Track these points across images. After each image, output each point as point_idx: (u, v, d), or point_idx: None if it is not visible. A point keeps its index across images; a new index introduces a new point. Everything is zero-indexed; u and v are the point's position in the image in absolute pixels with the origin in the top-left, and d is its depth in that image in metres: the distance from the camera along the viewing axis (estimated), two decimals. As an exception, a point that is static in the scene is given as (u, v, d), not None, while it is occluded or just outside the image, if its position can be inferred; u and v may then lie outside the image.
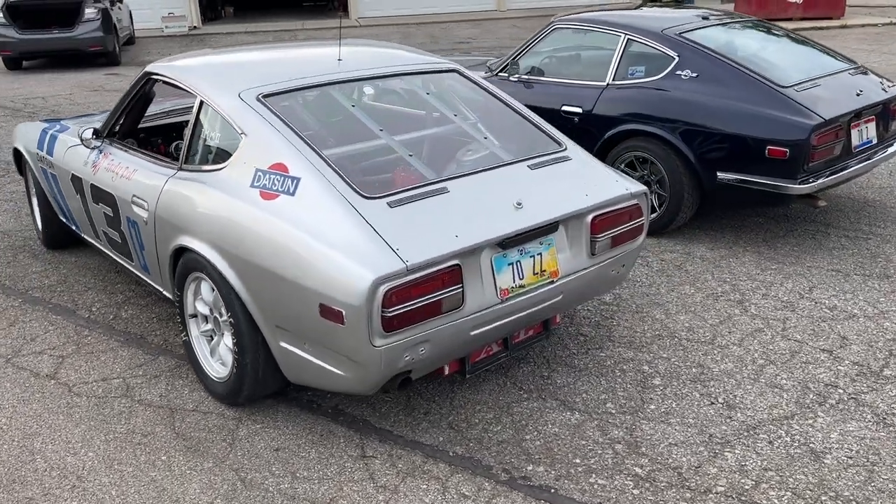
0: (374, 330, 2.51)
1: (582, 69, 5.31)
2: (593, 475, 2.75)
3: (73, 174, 4.06)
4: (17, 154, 4.90)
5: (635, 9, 5.72)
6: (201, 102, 3.25)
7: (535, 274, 2.96)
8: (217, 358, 3.23)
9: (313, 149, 2.87)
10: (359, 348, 2.55)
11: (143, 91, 3.78)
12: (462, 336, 2.78)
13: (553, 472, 2.77)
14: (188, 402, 3.25)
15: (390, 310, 2.51)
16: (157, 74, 3.61)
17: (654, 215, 4.88)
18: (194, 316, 3.32)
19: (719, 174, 4.56)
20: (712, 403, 3.16)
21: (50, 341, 3.80)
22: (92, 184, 3.85)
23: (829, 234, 4.88)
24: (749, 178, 4.45)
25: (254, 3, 24.77)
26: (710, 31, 5.07)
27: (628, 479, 2.72)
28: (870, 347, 3.54)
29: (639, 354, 3.55)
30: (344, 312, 2.51)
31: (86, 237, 4.36)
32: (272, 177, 2.86)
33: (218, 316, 3.14)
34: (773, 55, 4.98)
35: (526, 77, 5.51)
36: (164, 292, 3.54)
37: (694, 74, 4.71)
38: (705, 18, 5.25)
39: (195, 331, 3.32)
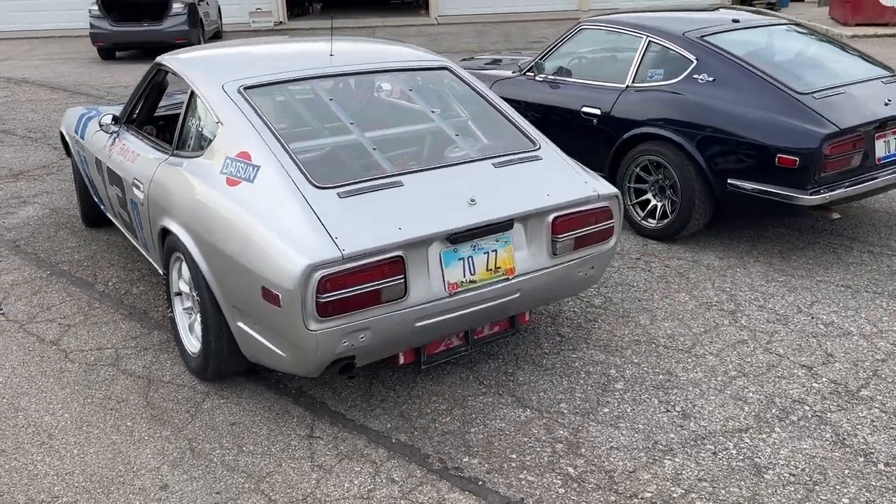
0: (308, 314, 2.62)
1: (604, 70, 5.27)
2: (525, 471, 2.77)
3: (96, 157, 4.35)
4: (64, 137, 5.27)
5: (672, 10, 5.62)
6: (192, 92, 3.43)
7: (488, 270, 3.00)
8: (194, 334, 3.41)
9: (278, 139, 3.00)
10: (295, 331, 2.66)
11: (155, 80, 4.01)
12: (406, 327, 2.85)
13: (486, 466, 2.81)
14: (167, 375, 3.45)
15: (324, 296, 2.61)
16: (163, 65, 3.83)
17: (665, 221, 4.80)
18: (178, 294, 3.51)
19: (730, 181, 4.45)
20: (668, 411, 3.12)
21: (62, 311, 4.09)
22: (107, 166, 4.12)
23: (851, 249, 4.68)
24: (759, 187, 4.33)
25: (342, 0, 25.36)
26: (737, 35, 4.94)
27: (558, 477, 2.74)
28: (854, 366, 3.41)
29: (610, 358, 3.53)
30: (280, 296, 2.63)
31: (109, 215, 4.65)
32: (238, 164, 3.01)
33: (194, 294, 3.32)
34: (802, 61, 4.82)
35: (552, 77, 5.50)
36: (160, 270, 3.76)
37: (710, 79, 4.61)
38: (736, 21, 5.11)
39: (178, 308, 3.52)
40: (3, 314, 4.07)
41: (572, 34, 5.52)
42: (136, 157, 3.78)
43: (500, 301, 3.06)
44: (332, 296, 2.62)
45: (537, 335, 3.74)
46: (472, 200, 2.96)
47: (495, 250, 3.02)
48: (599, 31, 5.37)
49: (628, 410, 3.13)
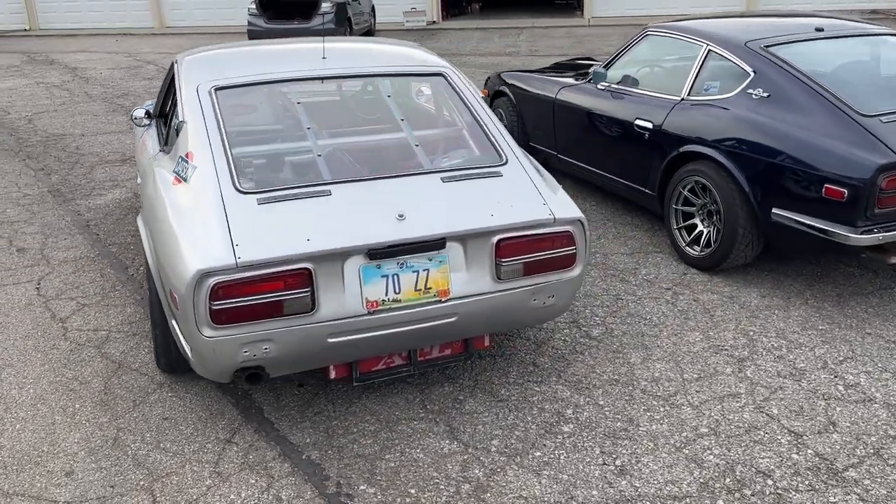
0: (201, 321, 2.59)
1: (662, 81, 4.85)
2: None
3: (137, 148, 4.60)
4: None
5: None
6: (175, 90, 3.52)
7: (416, 290, 2.83)
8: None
9: (223, 142, 3.00)
10: (192, 336, 2.64)
11: (172, 77, 4.16)
12: (317, 342, 2.75)
13: (379, 497, 2.65)
14: (137, 362, 3.57)
15: (217, 303, 2.57)
16: (174, 63, 3.96)
17: (708, 250, 4.34)
18: (155, 286, 3.63)
19: (775, 210, 3.94)
20: (605, 464, 2.80)
21: (86, 290, 4.36)
22: (137, 158, 4.34)
23: (927, 300, 4.00)
24: (804, 220, 3.80)
25: (504, 0, 25.35)
26: (812, 46, 4.37)
27: (445, 521, 2.54)
28: (855, 440, 2.89)
29: (575, 396, 3.23)
30: (177, 299, 2.63)
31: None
32: (182, 164, 3.04)
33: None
34: (883, 79, 4.16)
35: (615, 86, 5.15)
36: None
37: (765, 94, 4.10)
38: (820, 30, 4.51)
39: (154, 299, 3.63)
40: (38, 289, 4.40)
41: (638, 41, 5.13)
42: (144, 151, 3.94)
43: (432, 324, 2.88)
44: (226, 304, 2.58)
45: (510, 362, 3.51)
46: (401, 215, 2.80)
47: (427, 270, 2.85)
48: (664, 39, 4.95)
49: (561, 457, 2.84)
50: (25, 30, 21.64)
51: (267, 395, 3.28)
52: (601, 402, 3.18)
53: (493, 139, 3.27)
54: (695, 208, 4.46)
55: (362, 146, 3.27)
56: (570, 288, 3.09)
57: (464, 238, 2.86)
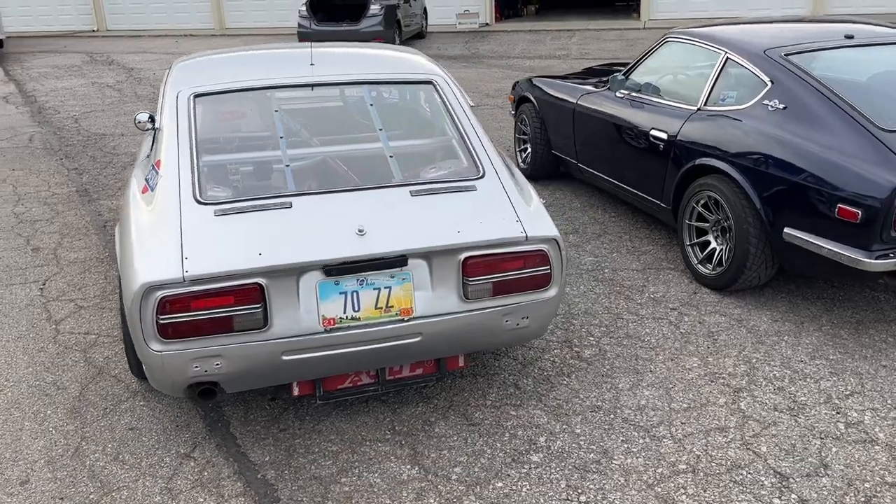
0: (148, 334, 2.54)
1: (680, 89, 4.62)
2: (359, 539, 2.49)
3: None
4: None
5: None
6: (162, 96, 3.49)
7: (377, 308, 2.72)
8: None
9: (192, 150, 2.95)
10: (141, 349, 2.59)
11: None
12: (271, 360, 2.67)
13: (326, 523, 2.56)
14: (117, 369, 3.55)
15: (165, 317, 2.51)
16: (169, 69, 3.94)
17: (720, 269, 4.11)
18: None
19: (786, 230, 3.69)
20: (568, 499, 2.64)
21: (87, 293, 4.39)
22: None
23: (956, 330, 3.69)
24: (815, 241, 3.54)
25: (562, 1, 25.02)
26: (838, 54, 4.09)
27: (387, 554, 2.42)
28: (846, 485, 2.66)
29: (551, 423, 3.07)
30: (128, 311, 2.58)
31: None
32: (152, 172, 3.00)
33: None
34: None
35: (634, 94, 4.94)
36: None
37: (781, 106, 3.85)
38: (850, 37, 4.22)
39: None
40: (41, 289, 4.45)
41: (658, 47, 4.91)
42: (143, 155, 3.94)
43: (394, 343, 2.77)
44: (174, 318, 2.52)
45: (491, 383, 3.36)
46: (361, 230, 2.70)
47: (389, 287, 2.73)
48: (684, 45, 4.72)
49: (524, 490, 2.69)
50: (93, 31, 22.36)
51: (237, 407, 3.22)
52: (578, 431, 3.02)
53: (472, 151, 3.14)
54: (708, 224, 4.23)
55: (334, 156, 3.17)
56: (545, 310, 2.94)
57: (428, 255, 2.74)
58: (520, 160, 6.51)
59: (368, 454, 2.91)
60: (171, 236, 2.63)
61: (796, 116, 3.76)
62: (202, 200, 2.76)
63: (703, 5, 18.39)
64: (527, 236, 2.81)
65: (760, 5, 18.26)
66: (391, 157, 3.10)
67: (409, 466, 2.83)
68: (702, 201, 4.20)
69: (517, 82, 6.63)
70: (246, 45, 17.52)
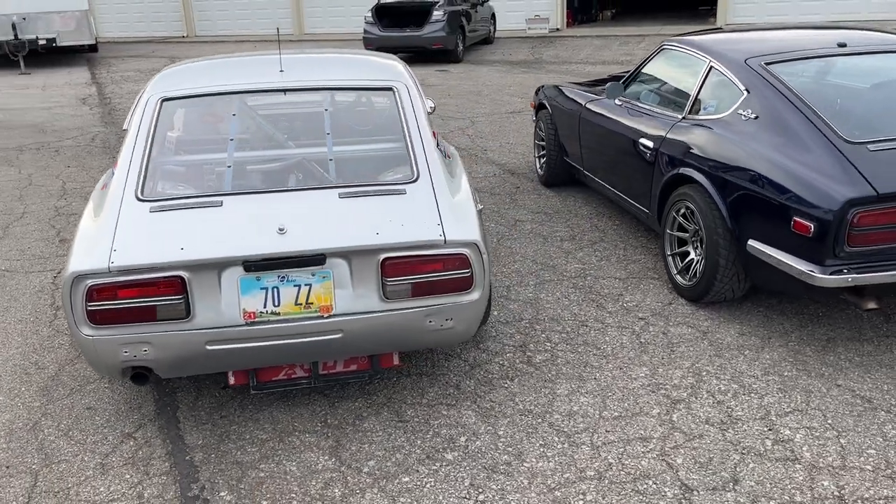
0: (79, 319, 2.75)
1: (669, 98, 4.56)
2: (257, 521, 2.62)
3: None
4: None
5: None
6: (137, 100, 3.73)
7: (297, 304, 2.86)
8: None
9: (145, 151, 3.16)
10: (75, 334, 2.81)
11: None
12: (195, 349, 2.84)
13: (233, 502, 2.71)
14: (96, 353, 3.81)
15: (92, 304, 2.72)
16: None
17: (694, 280, 4.05)
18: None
19: (750, 242, 3.61)
20: (466, 498, 2.70)
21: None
22: None
23: (931, 352, 3.52)
24: (774, 255, 3.46)
25: (642, 6, 24.62)
26: (820, 63, 3.97)
27: (277, 537, 2.54)
28: (752, 502, 2.61)
29: (477, 424, 3.12)
30: (61, 298, 2.80)
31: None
32: (110, 171, 3.23)
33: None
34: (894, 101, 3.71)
35: (630, 102, 4.91)
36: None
37: (753, 116, 3.77)
38: (843, 45, 4.08)
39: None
40: (55, 278, 4.80)
41: (654, 55, 4.86)
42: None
43: (315, 339, 2.89)
44: (101, 305, 2.72)
45: (434, 382, 3.44)
46: (282, 229, 2.84)
47: (309, 285, 2.86)
48: (676, 53, 4.66)
49: (427, 486, 2.76)
50: (183, 36, 23.49)
51: (188, 393, 3.41)
52: (500, 433, 3.06)
53: (413, 156, 3.23)
54: (688, 234, 4.17)
55: (276, 159, 3.33)
56: (469, 312, 3.00)
57: (347, 255, 2.85)
58: (538, 166, 6.53)
59: (294, 444, 3.05)
60: (107, 230, 2.84)
61: (765, 126, 3.68)
62: (142, 198, 2.96)
63: (782, 9, 17.78)
64: (445, 240, 2.88)
65: (839, 9, 17.52)
66: (331, 160, 3.23)
67: (327, 457, 2.95)
68: (681, 211, 4.15)
69: (538, 88, 6.66)
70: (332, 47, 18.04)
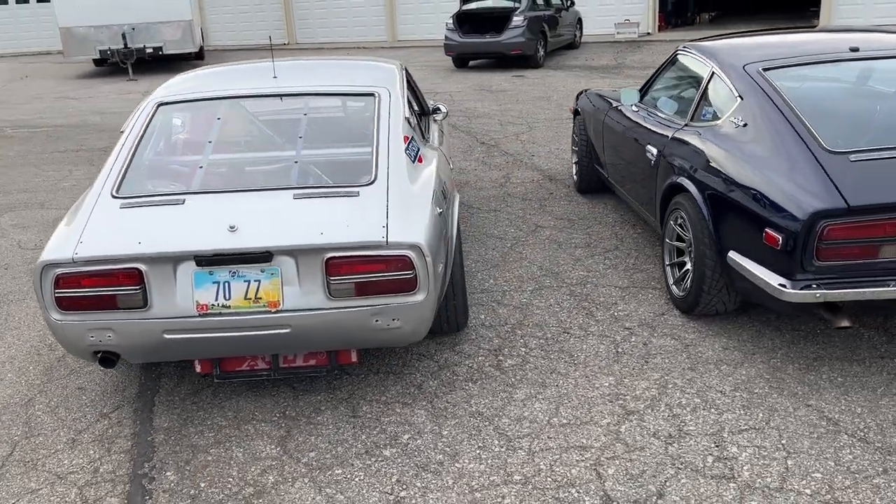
0: (48, 305, 3.00)
1: (677, 104, 4.45)
2: (215, 497, 2.78)
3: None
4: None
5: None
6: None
7: (247, 299, 3.01)
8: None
9: (131, 151, 3.41)
10: (46, 318, 3.06)
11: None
12: (154, 337, 3.04)
13: (175, 484, 2.88)
14: (103, 338, 4.11)
15: (59, 291, 2.96)
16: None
17: (685, 292, 3.95)
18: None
19: (730, 254, 3.50)
20: (388, 493, 2.76)
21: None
22: None
23: (924, 376, 3.31)
24: (748, 266, 3.34)
25: (745, 8, 23.72)
26: (823, 69, 3.79)
27: (202, 516, 2.70)
28: (666, 518, 2.55)
29: (425, 423, 3.18)
30: (33, 285, 3.06)
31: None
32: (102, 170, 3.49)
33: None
34: (892, 109, 3.50)
35: (645, 108, 4.82)
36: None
37: (742, 123, 3.65)
38: (855, 49, 3.87)
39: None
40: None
41: (669, 61, 4.76)
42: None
43: (264, 332, 3.03)
44: (66, 293, 2.96)
45: (398, 380, 3.51)
46: (233, 227, 2.99)
47: (258, 280, 3.01)
48: (688, 58, 4.54)
49: (356, 480, 2.85)
50: (285, 44, 24.46)
51: (171, 378, 3.63)
52: (444, 433, 3.11)
53: (375, 159, 3.33)
54: (685, 244, 4.07)
55: (246, 161, 3.50)
56: (415, 313, 3.06)
57: (294, 253, 2.97)
58: (574, 173, 6.48)
59: (248, 431, 3.20)
60: (80, 223, 3.09)
61: (752, 134, 3.56)
62: (116, 195, 3.20)
63: (889, 9, 16.75)
64: (387, 242, 2.96)
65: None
66: (296, 162, 3.38)
67: (273, 446, 3.09)
68: (678, 221, 4.06)
69: (579, 93, 6.60)
70: (408, 56, 18.38)
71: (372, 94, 3.72)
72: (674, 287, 4.11)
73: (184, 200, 3.14)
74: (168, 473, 2.95)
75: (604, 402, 3.27)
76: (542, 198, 6.25)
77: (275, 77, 3.87)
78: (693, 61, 4.41)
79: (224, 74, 4.06)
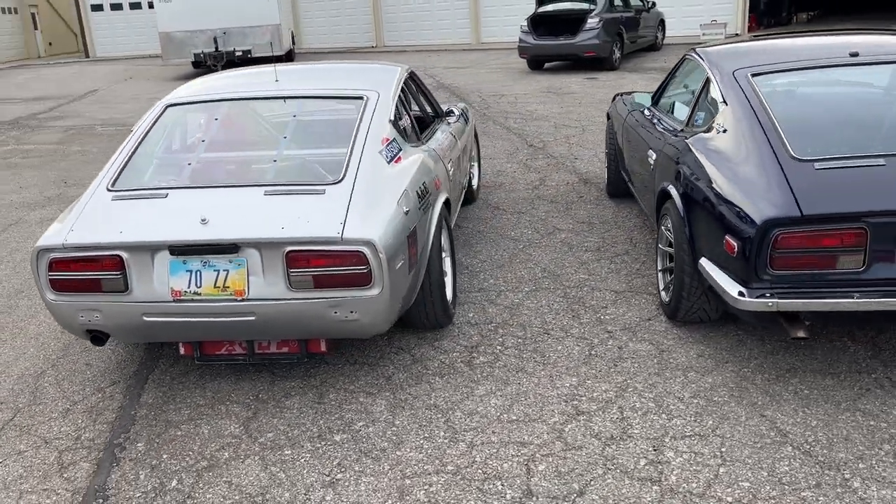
0: (43, 286, 3.32)
1: (678, 110, 4.42)
2: (172, 468, 3.03)
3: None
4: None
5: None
6: (158, 106, 4.30)
7: (216, 287, 3.24)
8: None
9: (132, 148, 3.71)
10: (42, 297, 3.38)
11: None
12: (135, 318, 3.31)
13: (141, 454, 3.14)
14: (121, 321, 4.45)
15: (52, 274, 3.28)
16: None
17: (669, 298, 3.93)
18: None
19: (701, 261, 3.48)
20: (325, 475, 2.92)
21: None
22: None
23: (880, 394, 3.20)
24: (712, 274, 3.32)
25: (848, 6, 22.59)
26: (812, 74, 3.69)
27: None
28: (579, 515, 2.60)
29: (381, 413, 3.32)
30: (31, 267, 3.38)
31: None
32: (108, 165, 3.81)
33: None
34: (874, 118, 3.39)
35: (654, 113, 4.80)
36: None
37: (723, 129, 3.61)
38: (854, 55, 3.75)
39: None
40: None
41: (678, 66, 4.71)
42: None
43: (231, 319, 3.26)
44: (58, 275, 3.27)
45: (371, 371, 3.67)
46: (204, 220, 3.23)
47: (227, 270, 3.23)
48: (692, 63, 4.49)
49: (300, 460, 3.02)
50: (372, 46, 25.08)
51: (169, 359, 3.91)
52: (396, 423, 3.24)
53: (347, 160, 3.49)
54: (673, 250, 4.05)
55: (230, 159, 3.73)
56: (372, 307, 3.21)
57: (258, 246, 3.18)
58: (606, 176, 6.46)
59: (220, 411, 3.43)
60: (75, 213, 3.40)
61: (728, 140, 3.52)
62: (110, 188, 3.50)
63: None
64: (342, 238, 3.12)
65: None
66: (275, 161, 3.59)
67: (237, 426, 3.30)
68: (668, 226, 4.04)
69: (615, 96, 6.58)
70: (486, 59, 18.50)
71: (360, 98, 3.89)
72: (662, 293, 4.10)
73: (167, 194, 3.41)
74: (139, 444, 3.21)
75: (559, 401, 3.32)
76: (570, 201, 6.27)
77: (276, 81, 4.10)
78: (694, 67, 4.37)
79: (232, 78, 4.34)
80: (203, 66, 18.15)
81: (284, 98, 3.96)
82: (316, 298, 3.18)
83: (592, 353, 3.72)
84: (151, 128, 3.86)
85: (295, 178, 3.51)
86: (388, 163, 3.63)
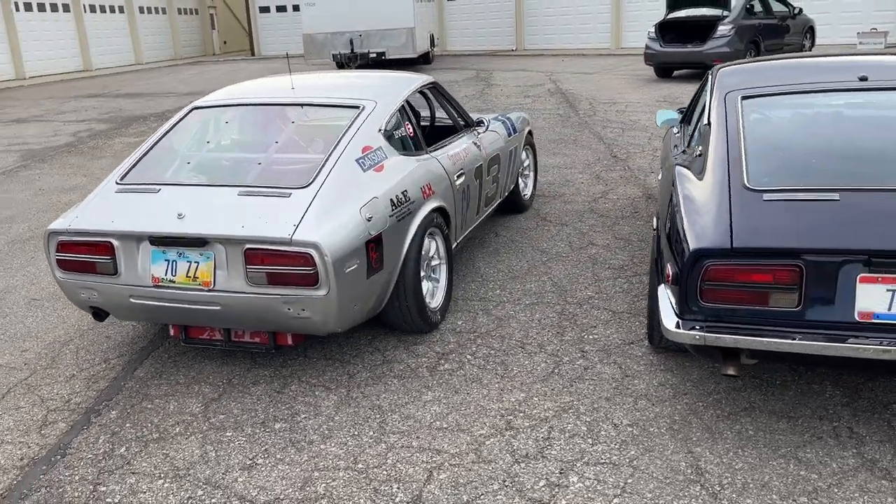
0: (53, 265, 3.77)
1: (686, 129, 4.26)
2: (128, 436, 3.37)
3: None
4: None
5: None
6: (190, 108, 4.68)
7: (188, 277, 3.55)
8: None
9: (150, 146, 4.11)
10: (53, 274, 3.83)
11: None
12: (124, 299, 3.69)
13: (116, 422, 3.49)
14: (154, 301, 4.90)
15: (59, 255, 3.72)
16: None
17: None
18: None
19: (660, 287, 3.38)
20: (246, 459, 3.14)
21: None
22: None
23: (843, 442, 2.97)
24: (660, 301, 3.22)
25: None
26: (808, 98, 3.46)
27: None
28: (451, 526, 2.65)
29: (327, 408, 3.49)
30: (43, 248, 3.84)
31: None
32: (130, 158, 4.23)
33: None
34: (857, 148, 3.14)
35: (679, 134, 4.65)
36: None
37: (698, 154, 3.48)
38: (864, 79, 3.48)
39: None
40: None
41: (703, 81, 4.52)
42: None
43: (200, 307, 3.55)
44: (64, 256, 3.71)
45: (340, 368, 3.84)
46: (181, 215, 3.54)
47: (197, 262, 3.53)
48: (707, 83, 4.30)
49: (237, 442, 3.25)
50: (512, 50, 25.23)
51: (177, 341, 4.29)
52: (336, 418, 3.40)
53: (321, 166, 3.68)
54: (665, 274, 3.93)
55: (224, 160, 4.01)
56: (321, 306, 3.39)
57: (223, 241, 3.45)
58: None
59: (193, 391, 3.73)
60: (85, 202, 3.83)
61: (699, 165, 3.39)
62: (119, 182, 3.90)
63: None
64: (291, 239, 3.32)
65: None
66: (259, 164, 3.84)
67: (199, 405, 3.59)
68: (659, 248, 3.94)
69: (681, 112, 6.37)
70: (617, 64, 18.12)
71: (357, 106, 4.08)
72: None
73: (159, 190, 3.75)
74: (113, 413, 3.58)
75: (496, 415, 3.35)
76: (621, 216, 6.15)
77: (293, 88, 4.38)
78: (706, 85, 4.20)
79: (256, 85, 4.67)
80: (340, 66, 19.06)
81: (290, 105, 4.22)
82: (270, 294, 3.41)
83: (555, 371, 3.71)
84: (173, 127, 4.25)
85: (271, 180, 3.76)
86: (365, 170, 3.79)
